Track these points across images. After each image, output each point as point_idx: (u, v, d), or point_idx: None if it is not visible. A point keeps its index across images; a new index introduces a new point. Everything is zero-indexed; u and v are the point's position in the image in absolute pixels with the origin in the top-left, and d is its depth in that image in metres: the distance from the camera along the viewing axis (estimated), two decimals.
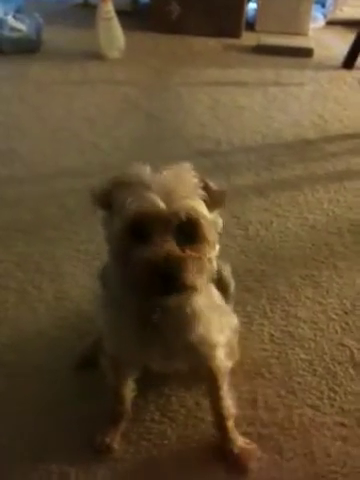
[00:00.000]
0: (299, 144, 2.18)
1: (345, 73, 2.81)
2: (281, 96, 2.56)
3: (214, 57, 2.95)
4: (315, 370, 1.26)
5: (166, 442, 1.10)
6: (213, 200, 0.81)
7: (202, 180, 0.81)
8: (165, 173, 0.79)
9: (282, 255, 1.60)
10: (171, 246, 0.75)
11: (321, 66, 2.89)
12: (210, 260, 0.81)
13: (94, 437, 1.09)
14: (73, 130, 2.20)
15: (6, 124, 2.23)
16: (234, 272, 1.20)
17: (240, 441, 1.08)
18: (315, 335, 1.35)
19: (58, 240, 1.60)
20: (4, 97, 2.45)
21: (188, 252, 0.76)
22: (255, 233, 1.67)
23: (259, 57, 2.93)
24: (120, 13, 2.82)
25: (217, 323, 0.95)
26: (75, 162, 2.00)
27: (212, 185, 0.82)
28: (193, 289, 0.79)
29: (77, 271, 1.49)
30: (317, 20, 3.46)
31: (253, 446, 1.08)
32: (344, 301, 1.45)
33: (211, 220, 0.80)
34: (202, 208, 0.78)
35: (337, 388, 1.22)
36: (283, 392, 1.20)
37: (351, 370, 1.27)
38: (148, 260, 0.74)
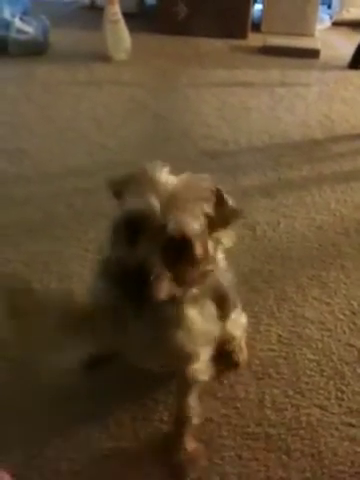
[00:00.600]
0: (306, 144, 2.19)
1: (351, 73, 2.82)
2: (288, 97, 2.56)
3: (220, 58, 2.96)
4: (323, 370, 1.26)
5: None
6: (222, 219, 0.78)
7: (218, 195, 0.78)
8: (180, 179, 0.78)
9: (289, 255, 1.60)
10: (150, 256, 0.73)
11: (327, 67, 2.90)
12: (205, 275, 0.80)
13: None
14: (80, 130, 2.21)
15: (14, 124, 2.24)
16: (241, 273, 1.20)
17: (190, 448, 1.07)
18: (323, 335, 1.35)
19: (66, 239, 1.60)
20: (12, 98, 2.46)
21: (171, 263, 0.74)
22: (262, 233, 1.67)
23: (265, 58, 2.94)
24: (127, 15, 2.83)
25: (203, 336, 0.92)
26: (82, 162, 2.01)
27: (228, 201, 0.79)
28: (166, 301, 0.76)
29: (85, 271, 1.49)
30: (323, 21, 3.46)
31: (199, 454, 1.07)
32: (351, 301, 1.45)
33: (212, 237, 0.78)
34: (197, 225, 0.75)
35: (345, 388, 1.22)
36: (291, 392, 1.21)
37: (359, 370, 1.27)
38: (124, 262, 0.73)
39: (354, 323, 1.39)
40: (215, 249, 0.80)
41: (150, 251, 0.73)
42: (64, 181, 1.89)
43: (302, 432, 1.13)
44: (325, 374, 1.25)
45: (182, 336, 0.87)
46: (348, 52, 2.89)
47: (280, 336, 1.33)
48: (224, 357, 1.08)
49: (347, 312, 1.42)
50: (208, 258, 0.79)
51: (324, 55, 3.00)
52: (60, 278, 1.47)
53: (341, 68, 2.87)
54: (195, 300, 0.86)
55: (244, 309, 1.27)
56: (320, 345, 1.32)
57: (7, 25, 2.82)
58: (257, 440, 1.12)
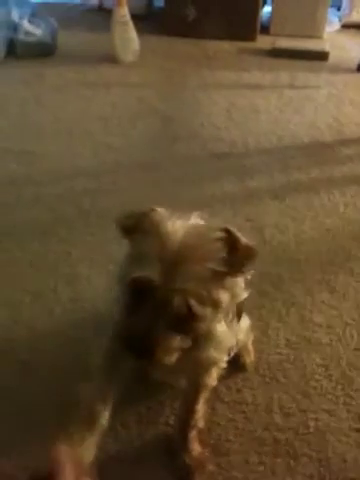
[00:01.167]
0: (315, 147, 2.17)
1: None
2: (297, 99, 2.55)
3: (229, 60, 2.95)
4: (331, 375, 1.25)
5: None
6: (236, 264, 0.76)
7: (230, 239, 0.76)
8: (188, 233, 0.75)
9: (298, 259, 1.59)
10: (154, 324, 0.75)
11: (336, 69, 2.88)
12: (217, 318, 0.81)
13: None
14: (89, 131, 2.21)
15: (23, 125, 2.25)
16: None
17: (196, 452, 1.06)
18: (331, 340, 1.34)
19: (74, 241, 1.60)
20: (21, 99, 2.47)
21: (171, 334, 0.76)
22: (271, 237, 1.66)
23: (274, 60, 2.93)
24: (135, 17, 2.83)
25: (225, 344, 0.93)
26: (91, 163, 2.01)
27: (241, 241, 0.76)
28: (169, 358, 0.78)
29: (93, 273, 1.49)
30: (332, 23, 3.45)
31: (206, 458, 1.07)
32: None
33: (226, 287, 0.77)
34: (204, 291, 0.74)
35: (353, 394, 1.21)
36: (298, 397, 1.20)
37: None
38: (127, 328, 0.77)
39: None
40: (230, 298, 0.79)
41: (154, 320, 0.75)
42: (72, 182, 1.89)
43: (310, 437, 1.12)
44: (333, 379, 1.24)
45: (213, 351, 0.89)
46: (357, 55, 2.88)
47: (288, 340, 1.32)
48: (231, 360, 1.07)
49: (356, 317, 1.40)
50: (221, 307, 0.78)
51: (333, 57, 2.99)
52: (68, 280, 1.47)
53: (350, 70, 2.85)
54: (223, 315, 0.86)
55: (252, 313, 1.26)
56: (328, 350, 1.31)
57: (15, 27, 2.83)
58: (264, 445, 1.11)
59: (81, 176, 1.92)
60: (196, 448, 1.07)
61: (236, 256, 0.75)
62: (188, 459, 1.05)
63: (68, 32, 3.06)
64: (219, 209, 1.74)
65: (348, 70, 2.86)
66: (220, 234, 0.76)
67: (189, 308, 0.74)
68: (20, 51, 2.82)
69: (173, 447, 1.08)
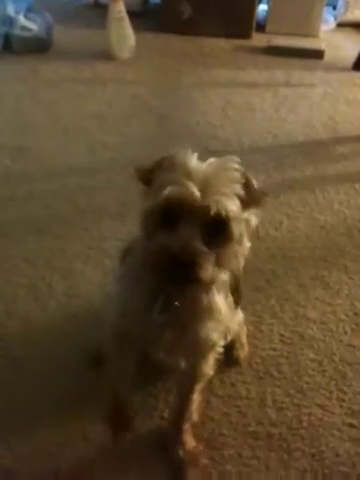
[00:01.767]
0: (310, 145, 2.18)
1: (355, 75, 2.81)
2: (292, 97, 2.56)
3: (225, 58, 2.95)
4: (324, 370, 1.26)
5: None
6: (251, 199, 0.80)
7: (245, 177, 0.79)
8: (209, 164, 0.79)
9: (292, 255, 1.60)
10: (193, 238, 0.74)
11: (332, 68, 2.89)
12: (236, 256, 0.81)
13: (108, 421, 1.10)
14: (84, 128, 2.21)
15: (18, 122, 2.24)
16: (244, 272, 1.20)
17: (190, 445, 1.07)
18: (325, 336, 1.35)
19: (69, 237, 1.60)
20: (16, 95, 2.46)
21: (211, 246, 0.75)
22: (265, 233, 1.67)
23: (270, 58, 2.94)
24: (131, 14, 2.82)
25: (223, 325, 0.94)
26: (85, 159, 2.01)
27: (254, 184, 0.80)
28: (207, 283, 0.78)
29: (87, 268, 1.49)
30: (328, 22, 3.46)
31: (199, 452, 1.08)
32: (354, 302, 1.45)
33: (243, 218, 0.79)
34: (234, 206, 0.76)
35: (346, 389, 1.22)
36: (292, 391, 1.21)
37: None
38: (167, 247, 0.75)
39: (356, 324, 1.39)
40: (246, 230, 0.81)
41: (192, 233, 0.75)
42: (67, 179, 1.89)
43: (303, 432, 1.13)
44: (327, 374, 1.25)
45: (211, 325, 0.89)
46: (352, 53, 2.88)
47: (282, 336, 1.33)
48: (225, 354, 1.07)
49: (349, 313, 1.42)
50: (241, 239, 0.80)
51: (328, 56, 3.00)
52: (62, 275, 1.47)
53: (345, 69, 2.86)
54: (221, 288, 0.88)
55: (246, 308, 1.27)
56: (322, 345, 1.32)
57: (11, 22, 2.82)
58: (258, 439, 1.12)
59: (76, 173, 1.92)
60: (190, 442, 1.07)
61: (251, 192, 0.79)
62: (182, 452, 1.06)
63: (64, 28, 3.04)
64: None
65: (343, 69, 2.87)
66: (237, 166, 0.80)
67: (225, 218, 0.75)
68: (16, 46, 2.81)
69: (167, 441, 1.08)
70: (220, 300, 0.88)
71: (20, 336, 1.30)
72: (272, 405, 1.18)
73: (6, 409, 1.13)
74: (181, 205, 0.75)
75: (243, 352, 1.25)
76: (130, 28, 2.84)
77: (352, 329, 1.37)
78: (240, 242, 0.80)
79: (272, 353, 1.29)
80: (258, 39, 3.15)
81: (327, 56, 2.99)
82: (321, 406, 1.18)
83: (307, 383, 1.23)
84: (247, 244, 0.83)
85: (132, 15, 2.85)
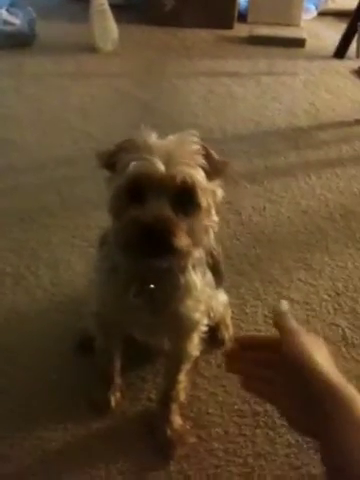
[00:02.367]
0: (292, 132, 2.20)
1: (336, 63, 2.83)
2: (274, 86, 2.58)
3: (207, 48, 2.96)
4: None
5: None
6: (214, 169, 0.81)
7: (205, 148, 0.81)
8: (169, 139, 0.81)
9: (275, 239, 1.62)
10: (163, 208, 0.76)
11: (313, 56, 2.91)
12: (206, 228, 0.83)
13: (90, 396, 1.13)
14: (68, 121, 2.22)
15: (3, 115, 2.24)
16: (227, 256, 1.22)
17: (177, 424, 1.09)
18: (308, 315, 1.38)
19: (54, 227, 1.62)
20: (0, 89, 2.46)
21: (180, 216, 0.77)
22: (248, 218, 1.69)
23: (252, 48, 2.95)
24: (114, 7, 2.82)
25: (204, 303, 0.96)
26: (70, 151, 2.01)
27: (214, 154, 0.82)
28: (183, 253, 0.79)
29: (73, 258, 1.51)
30: (309, 11, 3.47)
31: (186, 431, 1.10)
32: (336, 283, 1.48)
33: (209, 188, 0.81)
34: (199, 176, 0.78)
35: None
36: None
37: (343, 349, 1.30)
38: (138, 220, 0.75)
39: (338, 304, 1.41)
40: (213, 201, 0.83)
41: (162, 204, 0.76)
42: (52, 171, 1.90)
43: None
44: None
45: (190, 304, 0.90)
46: (334, 42, 2.91)
47: (266, 317, 1.36)
48: (210, 335, 1.10)
49: (332, 293, 1.44)
50: (210, 210, 0.82)
51: (310, 45, 3.01)
52: (48, 265, 1.48)
53: (327, 57, 2.88)
54: (197, 266, 0.89)
55: (230, 291, 1.29)
56: (305, 325, 1.34)
57: None
58: (244, 417, 1.14)
59: (61, 165, 1.93)
60: (177, 421, 1.10)
61: (213, 163, 0.81)
62: (169, 432, 1.08)
63: (46, 22, 3.03)
64: None
65: (324, 57, 2.90)
66: (196, 139, 0.81)
67: (191, 187, 0.77)
68: None
69: (155, 421, 1.10)
70: (197, 278, 0.89)
71: (7, 325, 1.31)
72: None
73: None
74: (147, 179, 0.76)
75: (228, 333, 1.27)
76: (113, 21, 2.83)
77: (334, 308, 1.40)
78: (209, 213, 0.82)
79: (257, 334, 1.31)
80: (240, 29, 3.15)
81: (308, 45, 3.01)
82: None
83: None
84: (215, 218, 0.84)
85: (115, 8, 2.84)
